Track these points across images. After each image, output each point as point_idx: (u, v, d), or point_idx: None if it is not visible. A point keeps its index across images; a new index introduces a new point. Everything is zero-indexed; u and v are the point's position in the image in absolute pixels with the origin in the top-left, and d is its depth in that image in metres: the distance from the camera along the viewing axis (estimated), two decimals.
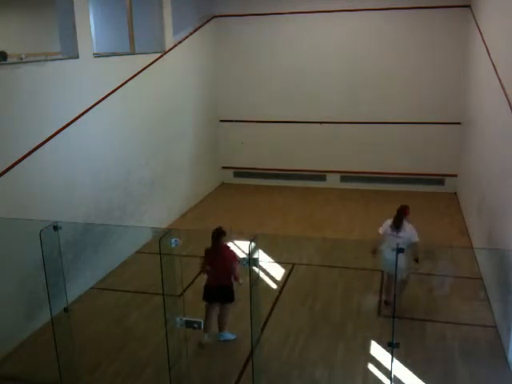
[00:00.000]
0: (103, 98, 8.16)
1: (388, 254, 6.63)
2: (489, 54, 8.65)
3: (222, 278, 6.23)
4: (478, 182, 9.12)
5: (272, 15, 12.35)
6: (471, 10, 11.05)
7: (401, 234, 6.68)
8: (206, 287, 6.37)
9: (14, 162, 6.38)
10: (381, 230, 6.96)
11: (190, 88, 11.62)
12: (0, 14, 11.57)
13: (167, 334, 5.02)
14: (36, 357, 6.28)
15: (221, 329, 6.49)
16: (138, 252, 9.16)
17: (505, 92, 7.18)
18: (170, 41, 10.40)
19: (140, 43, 9.79)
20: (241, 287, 6.11)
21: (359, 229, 10.22)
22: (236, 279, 6.20)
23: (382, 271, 7.49)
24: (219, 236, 6.17)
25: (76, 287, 7.45)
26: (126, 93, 8.79)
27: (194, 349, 6.18)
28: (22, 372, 6.07)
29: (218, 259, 6.20)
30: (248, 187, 13.06)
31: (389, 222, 6.90)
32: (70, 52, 7.59)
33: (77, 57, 7.55)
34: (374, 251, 7.03)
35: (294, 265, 8.59)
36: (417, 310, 7.11)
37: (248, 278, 4.99)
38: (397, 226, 6.72)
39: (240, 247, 9.13)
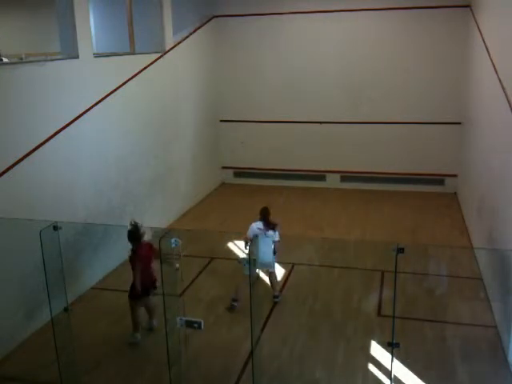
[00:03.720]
0: (103, 98, 8.16)
1: (264, 254, 6.96)
2: (489, 54, 8.65)
3: (148, 273, 6.41)
4: (478, 182, 9.12)
5: (272, 15, 12.35)
6: (471, 10, 11.05)
7: (269, 232, 7.13)
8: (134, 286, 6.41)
9: (14, 161, 6.38)
10: (250, 233, 7.12)
11: (190, 88, 11.63)
12: (0, 13, 11.56)
13: (167, 334, 5.02)
14: (36, 357, 6.27)
15: (152, 317, 6.71)
16: None
17: (505, 92, 7.18)
18: (169, 41, 10.40)
19: (140, 43, 9.79)
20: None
21: (359, 229, 10.23)
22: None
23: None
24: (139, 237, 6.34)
25: (76, 287, 7.46)
26: (126, 93, 8.79)
27: (194, 349, 6.18)
28: (22, 372, 6.07)
29: (141, 258, 6.35)
30: (248, 187, 13.06)
31: (255, 224, 7.17)
32: (70, 52, 7.59)
33: (77, 57, 7.55)
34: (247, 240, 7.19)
35: (293, 265, 8.59)
36: (417, 310, 7.11)
37: (248, 278, 4.99)
38: (267, 225, 7.15)
39: (240, 247, 9.17)
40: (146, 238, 6.51)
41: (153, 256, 6.38)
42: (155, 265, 6.35)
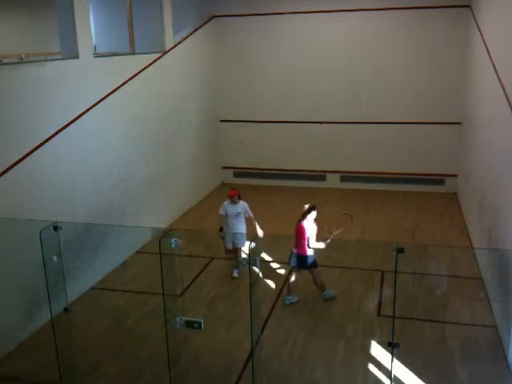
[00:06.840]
0: (103, 98, 8.16)
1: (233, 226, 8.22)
2: (489, 54, 8.65)
3: (299, 247, 7.31)
4: (478, 182, 9.12)
5: (272, 15, 12.35)
6: (471, 10, 11.05)
7: (238, 205, 8.35)
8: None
9: (14, 161, 6.39)
10: (222, 211, 8.33)
11: (190, 88, 11.63)
12: (0, 13, 11.56)
13: (167, 334, 5.01)
14: (36, 357, 6.28)
15: (289, 291, 7.47)
16: (137, 252, 9.16)
17: (505, 92, 7.19)
18: (169, 41, 10.40)
19: (140, 43, 9.80)
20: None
21: (359, 229, 10.22)
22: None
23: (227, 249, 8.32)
24: (307, 211, 7.33)
25: (76, 287, 7.46)
26: (126, 93, 8.79)
27: (194, 349, 6.18)
28: (22, 372, 6.07)
29: (298, 231, 7.30)
30: (248, 187, 13.04)
31: (225, 203, 8.46)
32: (70, 52, 7.60)
33: (77, 57, 7.55)
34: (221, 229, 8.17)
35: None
36: (417, 310, 7.11)
37: (248, 278, 4.99)
38: (234, 201, 8.39)
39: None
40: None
41: (304, 235, 7.21)
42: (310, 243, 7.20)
